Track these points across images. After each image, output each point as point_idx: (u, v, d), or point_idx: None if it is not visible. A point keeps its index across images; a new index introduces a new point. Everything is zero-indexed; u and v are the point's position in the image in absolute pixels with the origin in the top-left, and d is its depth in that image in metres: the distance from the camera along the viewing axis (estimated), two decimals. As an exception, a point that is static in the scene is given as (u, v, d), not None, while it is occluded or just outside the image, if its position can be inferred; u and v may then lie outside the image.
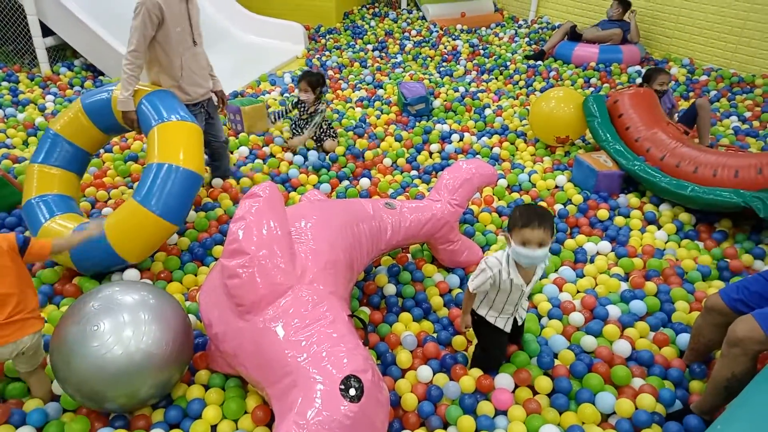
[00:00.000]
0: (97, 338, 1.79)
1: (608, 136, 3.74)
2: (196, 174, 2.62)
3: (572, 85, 5.48)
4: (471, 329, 2.23)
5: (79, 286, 2.62)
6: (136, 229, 2.51)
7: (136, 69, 2.83)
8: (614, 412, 2.08)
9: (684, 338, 2.35)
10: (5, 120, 4.26)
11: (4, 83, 4.91)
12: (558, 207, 3.43)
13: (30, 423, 1.96)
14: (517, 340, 2.34)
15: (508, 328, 2.14)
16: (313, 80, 3.94)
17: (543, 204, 3.45)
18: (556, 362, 2.29)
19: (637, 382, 2.18)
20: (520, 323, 2.22)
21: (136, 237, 2.53)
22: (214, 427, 2.00)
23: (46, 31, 5.09)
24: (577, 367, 2.22)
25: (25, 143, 4.01)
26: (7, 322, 1.82)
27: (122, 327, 1.81)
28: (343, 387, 1.61)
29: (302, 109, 4.08)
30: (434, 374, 2.23)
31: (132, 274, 2.68)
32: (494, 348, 2.21)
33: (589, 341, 2.36)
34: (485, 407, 2.07)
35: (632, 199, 3.48)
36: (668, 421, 2.03)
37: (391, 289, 2.72)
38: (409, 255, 2.98)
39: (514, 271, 1.96)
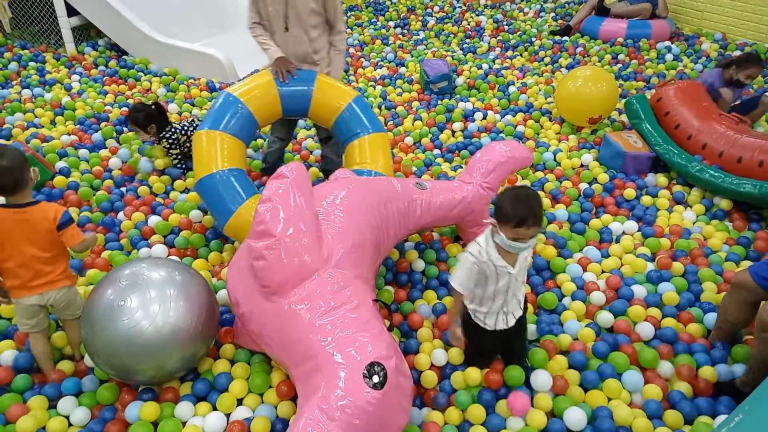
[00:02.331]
0: (125, 313, 1.83)
1: (659, 139, 3.48)
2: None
3: (599, 61, 5.34)
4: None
5: (109, 261, 2.68)
6: None
7: (263, 36, 2.98)
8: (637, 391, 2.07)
9: (711, 317, 2.32)
10: (33, 100, 4.33)
11: (32, 63, 4.97)
12: (583, 186, 3.37)
13: (65, 392, 2.04)
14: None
15: (500, 326, 1.95)
16: (139, 117, 3.33)
17: (567, 183, 3.40)
18: (576, 342, 2.27)
19: (664, 366, 2.16)
20: (512, 322, 1.97)
21: None
22: (240, 401, 2.04)
23: (71, 11, 5.13)
24: (599, 348, 2.21)
25: (53, 123, 4.08)
26: (37, 284, 1.97)
27: (149, 302, 1.85)
28: (366, 373, 1.61)
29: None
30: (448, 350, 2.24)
31: (160, 250, 2.74)
32: (479, 357, 2.07)
33: (607, 318, 2.34)
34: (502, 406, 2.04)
35: (660, 178, 3.40)
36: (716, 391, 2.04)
37: (420, 264, 2.72)
38: (434, 234, 2.97)
39: (495, 253, 1.81)
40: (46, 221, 1.91)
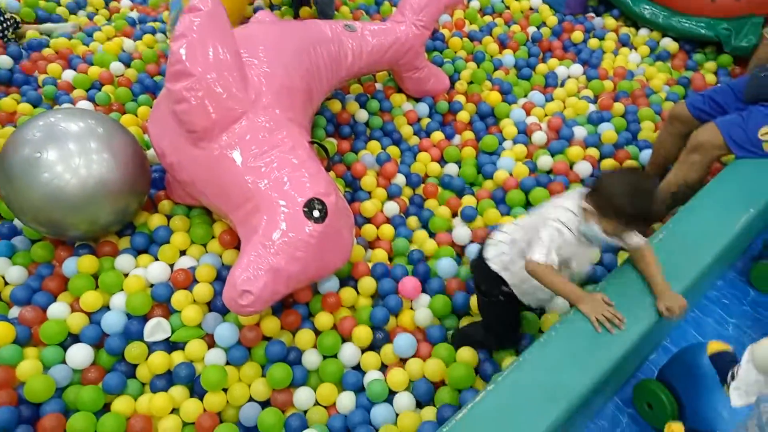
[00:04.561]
0: (45, 167, 1.72)
1: None
2: None
3: None
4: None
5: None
6: None
7: None
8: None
9: (646, 154, 2.38)
10: None
11: None
12: (532, 30, 3.25)
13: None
14: None
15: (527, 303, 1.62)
16: None
17: (516, 27, 3.26)
18: (508, 176, 2.35)
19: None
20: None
21: None
22: (183, 253, 2.03)
23: None
24: (526, 183, 2.29)
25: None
26: None
27: (69, 155, 1.74)
28: (306, 209, 1.62)
29: None
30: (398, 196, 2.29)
31: (85, 105, 2.54)
32: (503, 327, 1.69)
33: (547, 160, 2.39)
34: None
35: (608, 19, 3.31)
36: None
37: (363, 115, 2.65)
38: (377, 84, 2.85)
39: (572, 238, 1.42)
40: None
